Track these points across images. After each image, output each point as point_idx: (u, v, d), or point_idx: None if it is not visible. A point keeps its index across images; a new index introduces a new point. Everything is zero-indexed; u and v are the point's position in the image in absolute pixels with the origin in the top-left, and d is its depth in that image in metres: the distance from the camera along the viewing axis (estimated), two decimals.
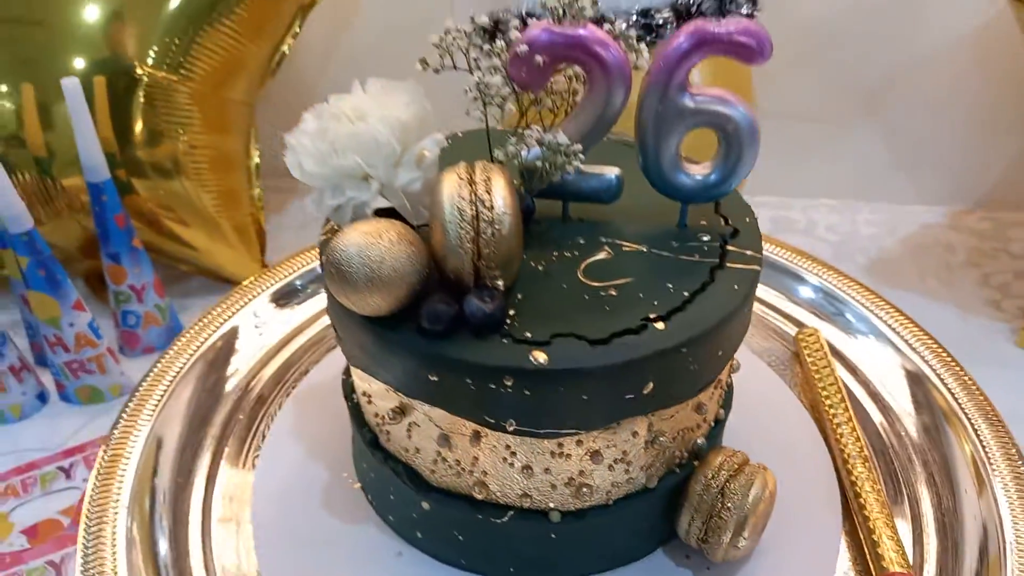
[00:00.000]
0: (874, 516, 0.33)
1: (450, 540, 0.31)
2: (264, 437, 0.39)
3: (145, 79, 0.59)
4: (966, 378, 0.41)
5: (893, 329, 0.43)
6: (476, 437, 0.28)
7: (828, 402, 0.38)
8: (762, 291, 0.46)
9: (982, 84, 0.70)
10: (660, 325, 0.27)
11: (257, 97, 0.68)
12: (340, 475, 0.36)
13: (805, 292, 0.46)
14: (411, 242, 0.27)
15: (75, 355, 0.55)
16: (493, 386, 0.26)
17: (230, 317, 0.46)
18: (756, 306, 0.44)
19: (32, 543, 0.48)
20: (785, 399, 0.40)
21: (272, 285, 0.49)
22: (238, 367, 0.44)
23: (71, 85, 0.51)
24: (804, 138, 0.75)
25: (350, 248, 0.26)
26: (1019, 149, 0.72)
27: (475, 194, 0.26)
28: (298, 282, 0.49)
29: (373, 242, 0.26)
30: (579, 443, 0.28)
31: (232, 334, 0.46)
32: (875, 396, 0.40)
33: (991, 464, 0.35)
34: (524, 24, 0.30)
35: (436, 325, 0.26)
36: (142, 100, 0.59)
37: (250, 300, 0.48)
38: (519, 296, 0.28)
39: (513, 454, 0.28)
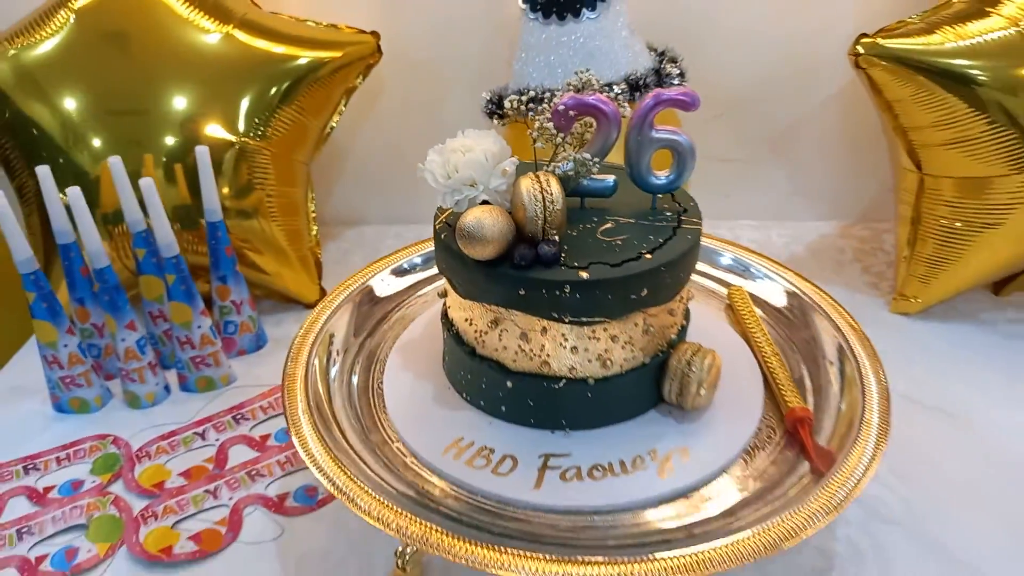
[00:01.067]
0: (781, 380, 0.53)
1: (524, 407, 0.51)
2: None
3: (237, 145, 0.78)
4: (829, 297, 0.62)
5: (782, 276, 0.65)
6: (544, 331, 0.48)
7: (748, 323, 0.59)
8: (701, 266, 0.67)
9: (855, 129, 0.94)
10: (648, 256, 0.47)
11: (313, 159, 0.88)
12: (442, 388, 0.55)
13: (725, 262, 0.68)
14: (506, 217, 0.47)
15: (198, 351, 0.72)
16: (557, 293, 0.46)
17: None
18: (697, 277, 0.65)
19: (188, 481, 0.64)
20: (721, 323, 0.61)
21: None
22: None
23: (202, 151, 0.71)
24: (727, 174, 0.99)
25: (474, 220, 0.46)
26: (882, 178, 0.96)
27: (542, 187, 0.47)
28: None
29: (486, 216, 0.46)
30: (604, 330, 0.48)
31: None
32: (774, 317, 0.62)
33: (851, 349, 0.56)
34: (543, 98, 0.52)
35: (523, 261, 0.46)
36: (235, 161, 0.79)
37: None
38: (566, 247, 0.48)
39: (566, 339, 0.48)
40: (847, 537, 0.58)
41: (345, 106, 0.87)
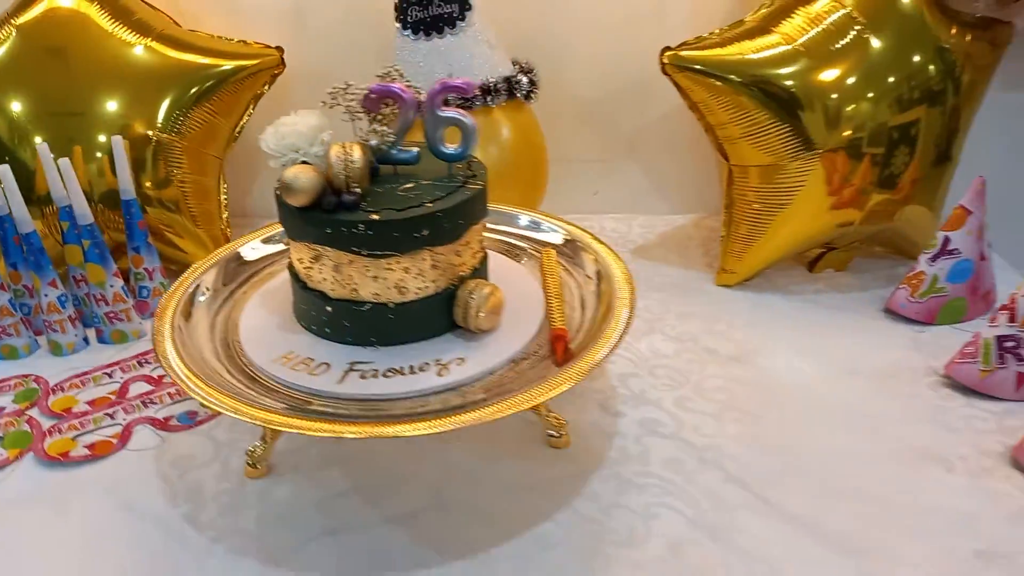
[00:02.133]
0: (555, 312, 0.67)
1: (341, 328, 0.64)
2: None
3: (155, 140, 0.93)
4: (597, 240, 0.76)
5: (561, 226, 0.79)
6: (351, 263, 0.62)
7: (547, 272, 0.73)
8: (510, 228, 0.80)
9: (696, 132, 1.09)
10: (430, 204, 0.62)
11: (225, 154, 1.02)
12: (287, 319, 0.69)
13: (523, 222, 0.81)
14: (317, 173, 0.61)
15: (112, 307, 0.86)
16: (355, 231, 0.60)
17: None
18: (513, 239, 0.79)
19: (92, 407, 0.77)
20: (525, 275, 0.75)
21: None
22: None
23: (116, 140, 0.85)
24: (593, 173, 1.13)
25: (292, 174, 0.60)
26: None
27: (345, 152, 0.61)
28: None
29: (301, 172, 0.60)
30: (398, 263, 0.62)
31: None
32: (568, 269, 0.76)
33: (607, 273, 0.70)
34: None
35: (329, 207, 0.60)
36: (154, 155, 0.93)
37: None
38: (368, 198, 0.62)
39: (368, 270, 0.62)
40: (622, 447, 0.71)
41: (254, 109, 1.01)
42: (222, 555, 0.61)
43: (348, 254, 0.62)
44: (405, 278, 0.63)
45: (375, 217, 0.60)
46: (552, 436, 0.71)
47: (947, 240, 0.85)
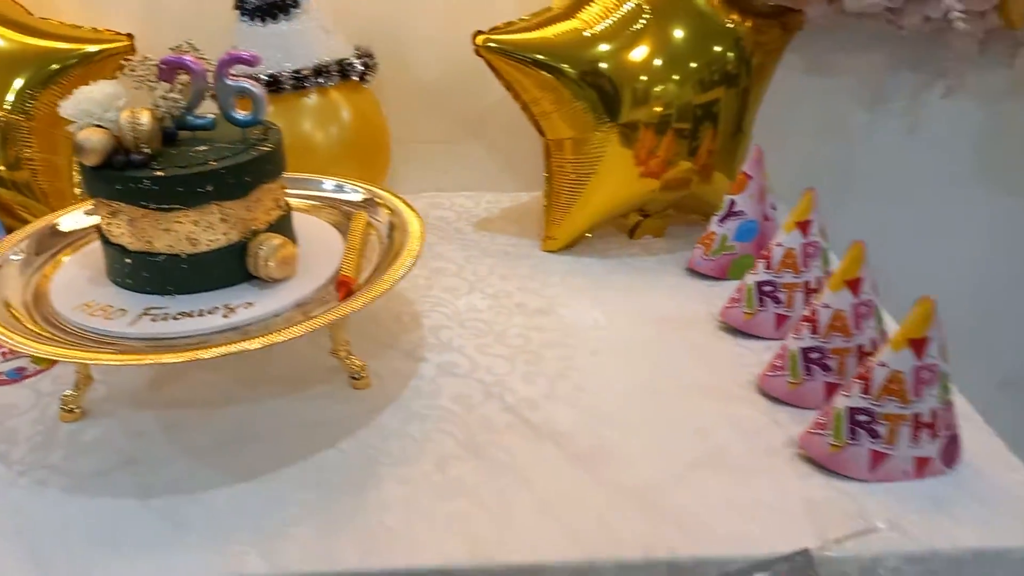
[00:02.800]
0: (348, 263, 0.74)
1: (141, 278, 0.71)
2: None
3: (3, 120, 0.98)
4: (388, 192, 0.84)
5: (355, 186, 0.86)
6: (144, 217, 0.68)
7: (353, 230, 0.80)
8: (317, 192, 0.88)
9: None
10: (215, 163, 0.68)
11: None
12: (97, 274, 0.75)
13: (328, 186, 0.89)
14: (107, 135, 0.67)
15: None
16: (142, 186, 0.66)
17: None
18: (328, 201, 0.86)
19: None
20: (331, 232, 0.82)
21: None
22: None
23: None
24: (443, 154, 1.21)
25: (83, 136, 0.66)
26: None
27: (134, 116, 0.67)
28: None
29: (92, 133, 0.66)
30: (187, 216, 0.68)
31: None
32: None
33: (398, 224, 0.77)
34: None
35: (118, 165, 0.67)
36: (3, 136, 0.98)
37: None
38: (159, 158, 0.69)
39: (159, 223, 0.68)
40: (417, 387, 0.79)
41: None
42: (26, 485, 0.67)
43: (139, 208, 0.68)
44: (195, 231, 0.69)
45: (159, 173, 0.66)
46: (353, 379, 0.78)
47: (733, 203, 0.94)
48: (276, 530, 0.62)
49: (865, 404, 0.65)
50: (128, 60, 0.70)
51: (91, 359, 0.62)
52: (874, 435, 0.65)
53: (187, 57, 0.70)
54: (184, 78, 0.72)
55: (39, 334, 0.66)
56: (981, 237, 1.29)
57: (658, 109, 0.97)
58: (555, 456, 0.69)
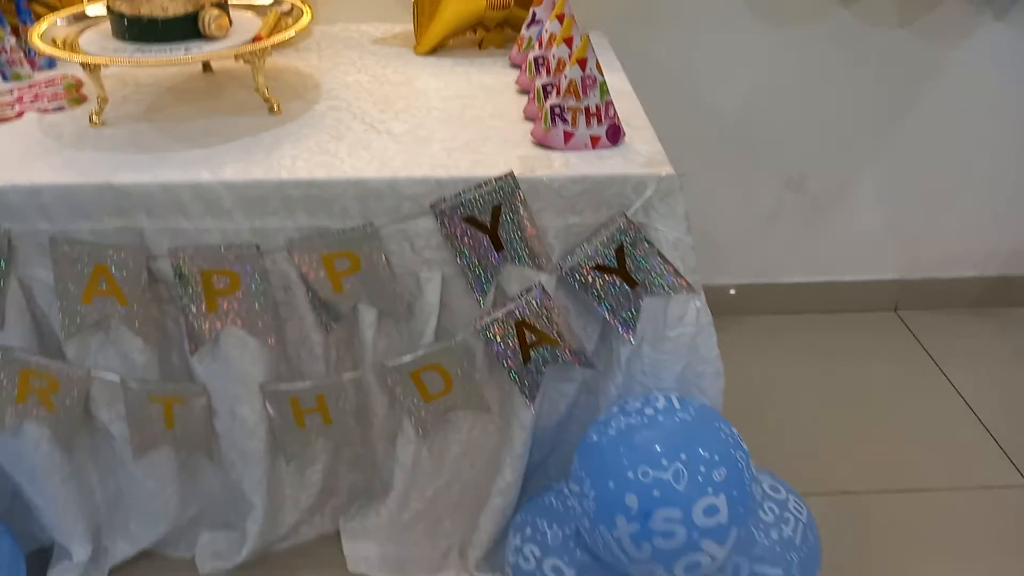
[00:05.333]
0: (262, 30, 1.20)
1: (133, 33, 1.16)
2: None
3: None
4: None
5: None
6: None
7: (268, 17, 1.25)
8: None
9: None
10: None
11: None
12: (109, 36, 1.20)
13: None
14: None
15: (9, 56, 1.35)
16: None
17: None
18: None
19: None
20: (257, 20, 1.27)
21: None
22: None
23: None
24: None
25: None
26: None
27: None
28: None
29: None
30: None
31: None
32: None
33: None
34: None
35: None
36: None
37: None
38: None
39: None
40: (311, 111, 1.25)
41: None
42: (70, 149, 1.14)
43: None
44: (165, 3, 1.14)
45: None
46: (270, 110, 1.24)
47: (534, 14, 1.39)
48: (217, 168, 1.09)
49: (559, 101, 1.12)
50: None
51: (107, 60, 1.08)
52: (564, 121, 1.12)
53: None
54: None
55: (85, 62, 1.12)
56: (759, 59, 1.74)
57: None
58: (385, 139, 1.17)
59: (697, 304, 1.19)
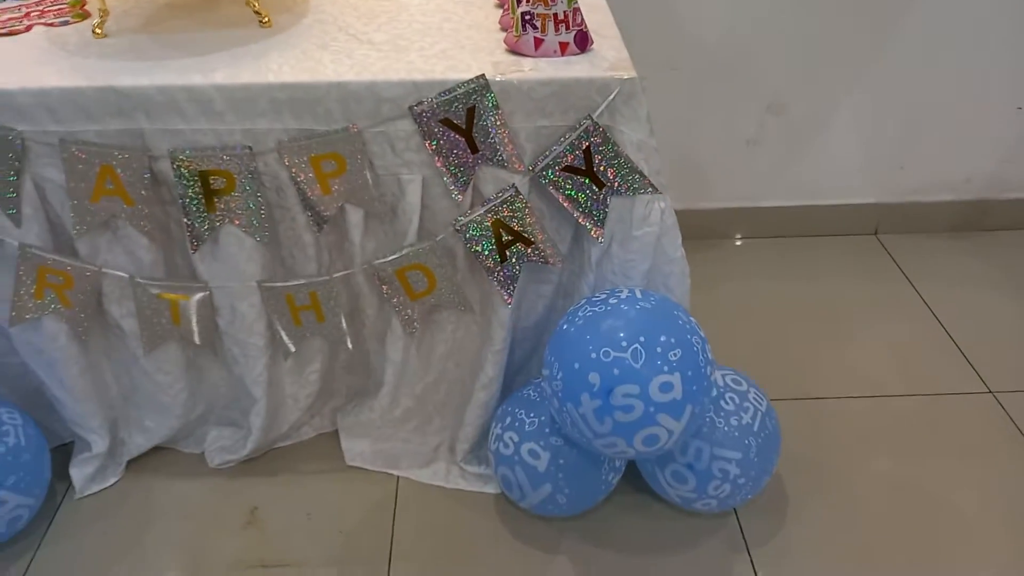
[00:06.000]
0: None
1: None
2: None
3: None
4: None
5: None
6: None
7: None
8: None
9: None
10: None
11: None
12: None
13: None
14: None
15: None
16: None
17: None
18: None
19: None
20: None
21: None
22: None
23: None
24: None
25: None
26: None
27: None
28: None
29: None
30: None
31: None
32: None
33: None
34: None
35: None
36: None
37: None
38: None
39: None
40: (299, 24, 1.33)
41: None
42: (80, 57, 1.22)
43: None
44: None
45: None
46: (261, 22, 1.31)
47: None
48: (209, 72, 1.17)
49: (528, 8, 1.19)
50: None
51: None
52: (535, 28, 1.20)
53: None
54: None
55: None
56: None
57: None
58: (367, 48, 1.24)
59: (661, 205, 1.27)
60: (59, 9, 1.36)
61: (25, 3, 1.40)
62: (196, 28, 1.31)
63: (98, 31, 1.27)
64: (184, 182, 1.20)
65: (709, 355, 1.22)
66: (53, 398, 1.43)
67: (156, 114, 1.16)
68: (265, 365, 1.41)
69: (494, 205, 1.25)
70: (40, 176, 1.21)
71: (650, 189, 1.25)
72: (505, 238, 1.28)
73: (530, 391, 1.41)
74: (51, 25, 1.32)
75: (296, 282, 1.33)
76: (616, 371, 1.14)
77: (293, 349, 1.39)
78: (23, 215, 1.22)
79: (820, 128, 2.01)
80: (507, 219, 1.26)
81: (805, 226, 2.14)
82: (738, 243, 2.15)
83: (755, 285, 2.00)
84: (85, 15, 1.35)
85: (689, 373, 1.16)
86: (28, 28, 1.30)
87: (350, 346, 1.41)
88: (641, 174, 1.24)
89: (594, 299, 1.25)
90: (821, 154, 2.04)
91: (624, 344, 1.15)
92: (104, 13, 1.26)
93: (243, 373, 1.42)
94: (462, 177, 1.23)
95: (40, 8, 1.37)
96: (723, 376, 1.37)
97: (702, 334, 1.22)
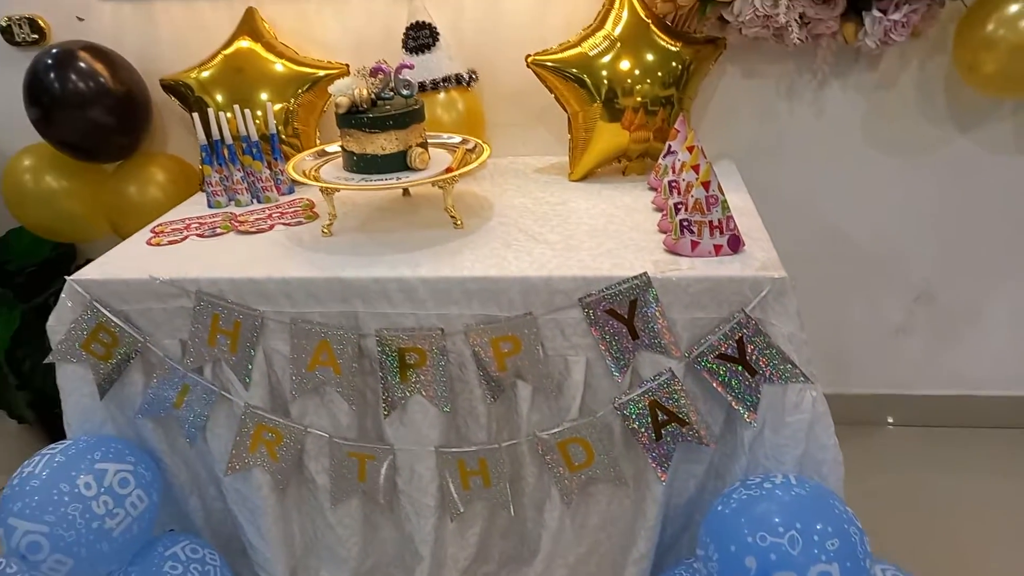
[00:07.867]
0: (453, 162, 1.54)
1: (359, 166, 1.53)
2: None
3: (290, 108, 1.86)
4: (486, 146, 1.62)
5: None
6: (362, 135, 1.50)
7: (458, 152, 1.60)
8: None
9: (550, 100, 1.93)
10: (392, 112, 1.50)
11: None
12: (340, 168, 1.58)
13: None
14: (349, 98, 1.51)
15: (264, 183, 1.77)
16: (363, 121, 1.49)
17: None
18: None
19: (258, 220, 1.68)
20: (447, 155, 1.62)
21: None
22: None
23: (269, 106, 1.78)
24: (515, 132, 1.99)
25: (339, 99, 1.50)
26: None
27: (360, 91, 1.50)
28: None
29: (343, 97, 1.50)
30: (380, 135, 1.50)
31: None
32: None
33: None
34: None
35: (354, 111, 1.50)
36: (285, 115, 1.86)
37: None
38: (370, 110, 1.51)
39: (369, 139, 1.50)
40: (486, 227, 1.56)
41: None
42: (309, 249, 1.49)
43: (360, 131, 1.50)
44: (384, 143, 1.50)
45: (370, 116, 1.48)
46: (455, 224, 1.56)
47: (669, 146, 1.66)
48: (415, 267, 1.40)
49: (686, 216, 1.36)
50: (360, 70, 1.52)
51: (343, 186, 1.44)
52: (692, 232, 1.36)
53: (382, 65, 1.52)
54: (381, 76, 1.54)
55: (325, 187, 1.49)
56: (879, 186, 1.92)
57: (638, 99, 1.71)
58: (543, 246, 1.44)
59: (812, 393, 1.34)
60: (294, 212, 1.67)
61: (268, 206, 1.73)
62: (403, 228, 1.57)
63: (326, 231, 1.55)
64: (385, 357, 1.40)
65: (868, 548, 1.23)
66: (247, 543, 1.61)
67: (370, 300, 1.38)
68: (433, 525, 1.53)
69: (651, 387, 1.36)
70: (270, 348, 1.45)
71: (801, 378, 1.33)
72: (661, 417, 1.38)
73: (681, 571, 1.44)
74: (288, 225, 1.62)
75: (469, 448, 1.47)
76: (773, 556, 1.18)
77: (462, 510, 1.51)
78: (253, 380, 1.45)
79: (973, 317, 2.02)
80: (663, 400, 1.37)
81: (961, 416, 2.09)
82: (890, 428, 2.12)
83: (910, 477, 1.96)
84: (314, 216, 1.64)
85: (848, 564, 1.18)
86: (271, 227, 1.61)
87: (512, 512, 1.52)
88: (792, 364, 1.32)
89: (749, 483, 1.30)
90: (976, 343, 2.04)
91: (781, 530, 1.19)
92: (333, 216, 1.55)
93: (413, 531, 1.55)
94: (623, 360, 1.36)
95: (279, 210, 1.69)
96: (883, 571, 1.36)
97: (859, 525, 1.24)
